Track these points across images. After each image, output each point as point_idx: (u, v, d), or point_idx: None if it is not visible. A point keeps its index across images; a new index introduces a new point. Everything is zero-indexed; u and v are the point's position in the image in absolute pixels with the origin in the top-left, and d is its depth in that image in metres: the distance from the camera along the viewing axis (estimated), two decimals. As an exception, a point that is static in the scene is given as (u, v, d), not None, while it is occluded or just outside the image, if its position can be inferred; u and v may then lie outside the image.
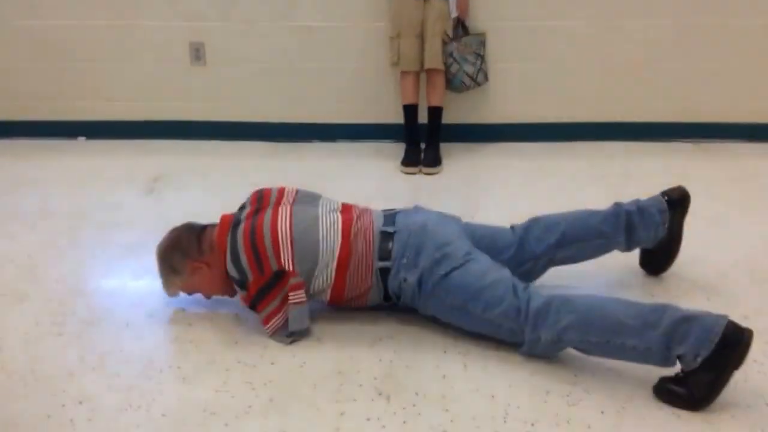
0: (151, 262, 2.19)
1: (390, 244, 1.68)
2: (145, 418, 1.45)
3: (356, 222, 1.73)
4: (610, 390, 1.50)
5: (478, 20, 3.22)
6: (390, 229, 1.72)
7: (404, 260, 1.66)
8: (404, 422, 1.43)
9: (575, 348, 1.55)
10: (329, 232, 1.70)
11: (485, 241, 1.78)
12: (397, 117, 3.27)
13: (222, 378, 1.58)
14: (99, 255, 2.25)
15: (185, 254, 1.75)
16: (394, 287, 1.69)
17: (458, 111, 3.34)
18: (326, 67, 3.38)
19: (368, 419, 1.44)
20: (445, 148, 3.17)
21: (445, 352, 1.66)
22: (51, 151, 3.28)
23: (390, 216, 1.77)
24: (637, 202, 1.85)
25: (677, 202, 1.85)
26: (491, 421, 1.42)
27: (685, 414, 1.42)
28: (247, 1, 3.31)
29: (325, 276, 1.69)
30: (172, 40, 3.39)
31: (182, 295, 1.85)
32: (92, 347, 1.71)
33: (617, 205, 1.85)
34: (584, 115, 3.38)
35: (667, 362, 1.45)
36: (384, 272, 1.68)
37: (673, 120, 3.36)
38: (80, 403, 1.50)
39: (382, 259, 1.68)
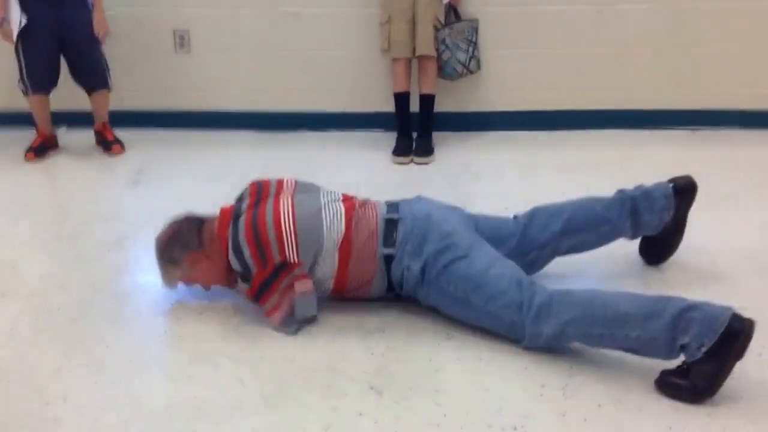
0: (136, 256, 2.16)
1: (394, 232, 1.68)
2: (132, 415, 1.42)
3: (358, 210, 1.73)
4: (606, 382, 1.49)
5: (471, 6, 3.18)
6: (394, 216, 1.71)
7: (408, 247, 1.65)
8: (397, 417, 1.40)
9: (578, 341, 1.54)
10: (333, 221, 1.69)
11: (488, 231, 1.76)
12: (388, 106, 3.23)
13: (211, 373, 1.55)
14: (82, 249, 2.21)
15: (185, 246, 1.73)
16: (397, 275, 1.68)
17: (450, 99, 3.31)
18: (315, 54, 3.33)
19: (360, 414, 1.41)
20: (437, 137, 3.13)
21: (438, 345, 1.64)
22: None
23: (393, 205, 1.77)
24: (641, 187, 1.84)
25: (683, 190, 1.83)
26: (485, 415, 1.40)
27: (683, 406, 1.40)
28: (234, -14, 3.25)
29: (328, 264, 1.67)
30: (156, 27, 3.32)
31: (181, 286, 1.81)
32: (77, 344, 1.68)
33: (621, 191, 1.84)
34: (579, 102, 3.36)
35: (671, 354, 1.43)
36: (388, 260, 1.67)
37: (670, 107, 3.34)
38: (65, 400, 1.47)
39: (387, 246, 1.67)
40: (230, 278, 1.77)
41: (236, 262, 1.66)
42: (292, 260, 1.63)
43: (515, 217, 1.84)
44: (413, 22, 3.02)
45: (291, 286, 1.65)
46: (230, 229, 1.68)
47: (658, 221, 1.82)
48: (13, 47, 3.02)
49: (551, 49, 3.27)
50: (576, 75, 3.31)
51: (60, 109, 3.27)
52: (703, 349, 1.36)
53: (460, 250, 1.63)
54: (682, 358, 1.43)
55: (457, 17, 3.11)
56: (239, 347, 1.65)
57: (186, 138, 3.31)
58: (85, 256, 2.15)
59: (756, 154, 2.96)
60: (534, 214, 1.81)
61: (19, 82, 3.04)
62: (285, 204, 1.69)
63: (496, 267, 1.62)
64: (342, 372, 1.55)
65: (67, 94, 3.19)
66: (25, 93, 3.06)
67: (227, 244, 1.67)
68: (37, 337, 1.71)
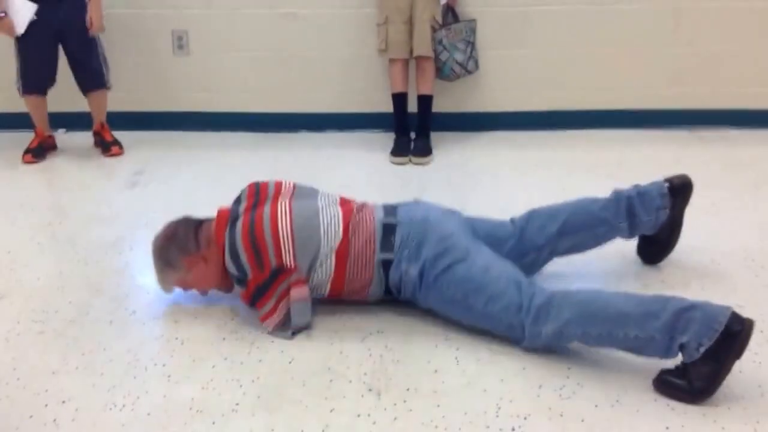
0: (134, 258, 2.16)
1: (392, 236, 1.68)
2: (130, 417, 1.42)
3: (356, 215, 1.72)
4: (603, 383, 1.49)
5: (468, 6, 3.18)
6: (392, 221, 1.71)
7: (406, 252, 1.65)
8: (395, 418, 1.40)
9: (578, 341, 1.54)
10: (330, 225, 1.69)
11: (485, 234, 1.76)
12: (386, 106, 3.23)
13: (208, 375, 1.55)
14: (81, 251, 2.20)
15: (182, 249, 1.72)
16: (395, 280, 1.68)
17: (448, 100, 3.31)
18: (313, 55, 3.33)
19: (358, 415, 1.41)
20: (435, 137, 3.14)
21: (436, 346, 1.64)
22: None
23: (390, 209, 1.76)
24: (637, 186, 1.84)
25: (679, 189, 1.83)
26: (483, 416, 1.40)
27: (679, 406, 1.40)
28: (232, -13, 3.25)
29: (325, 268, 1.67)
30: (154, 28, 3.32)
31: (177, 290, 1.81)
32: (75, 345, 1.67)
33: (617, 191, 1.84)
34: (577, 102, 3.36)
35: (669, 352, 1.43)
36: (386, 264, 1.67)
37: (668, 107, 3.34)
38: (63, 402, 1.47)
39: (384, 251, 1.67)
40: (228, 281, 1.76)
41: (233, 267, 1.66)
42: (289, 265, 1.63)
43: (512, 220, 1.84)
44: (411, 23, 3.02)
45: (287, 291, 1.65)
46: (227, 233, 1.68)
47: (654, 220, 1.82)
48: (11, 48, 3.01)
49: (549, 49, 3.27)
50: (574, 75, 3.31)
51: (59, 111, 3.27)
52: (702, 349, 1.37)
53: (458, 253, 1.63)
54: (680, 357, 1.43)
55: (455, 18, 3.11)
56: (237, 349, 1.64)
57: (184, 139, 3.30)
58: (84, 258, 2.15)
59: (755, 154, 2.96)
60: (531, 217, 1.82)
61: (17, 80, 3.02)
62: (283, 208, 1.69)
63: (495, 269, 1.62)
64: (340, 373, 1.54)
65: (67, 95, 3.19)
66: (20, 92, 3.03)
67: (224, 248, 1.67)
68: (35, 338, 1.70)
